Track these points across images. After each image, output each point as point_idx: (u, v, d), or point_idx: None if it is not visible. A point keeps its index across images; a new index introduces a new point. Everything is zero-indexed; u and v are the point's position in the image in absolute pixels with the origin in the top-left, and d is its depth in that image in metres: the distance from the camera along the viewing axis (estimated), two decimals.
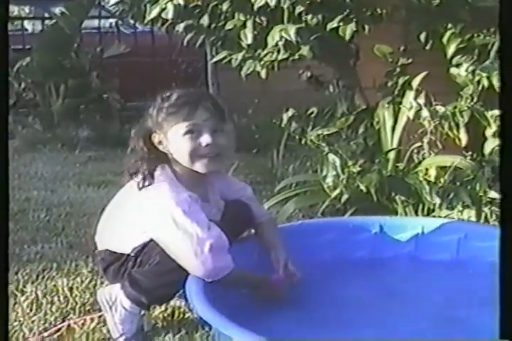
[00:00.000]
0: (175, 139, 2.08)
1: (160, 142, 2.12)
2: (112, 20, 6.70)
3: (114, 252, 2.16)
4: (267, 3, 2.75)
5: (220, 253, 2.00)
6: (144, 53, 6.24)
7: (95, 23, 6.80)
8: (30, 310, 2.33)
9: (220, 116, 2.10)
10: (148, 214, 2.05)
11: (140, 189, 2.07)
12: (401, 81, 3.08)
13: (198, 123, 2.06)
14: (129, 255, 2.12)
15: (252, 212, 2.33)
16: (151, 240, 2.07)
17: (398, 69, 3.11)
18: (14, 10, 9.72)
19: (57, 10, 7.83)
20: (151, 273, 2.07)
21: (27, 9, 9.43)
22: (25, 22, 7.47)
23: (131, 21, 5.20)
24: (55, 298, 2.42)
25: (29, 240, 3.07)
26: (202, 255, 1.96)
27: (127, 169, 2.14)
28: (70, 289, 2.49)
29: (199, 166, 2.10)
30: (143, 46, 6.29)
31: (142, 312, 2.15)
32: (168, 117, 2.07)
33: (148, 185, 2.07)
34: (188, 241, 1.97)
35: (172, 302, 2.32)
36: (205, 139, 2.06)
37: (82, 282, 2.54)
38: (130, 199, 2.14)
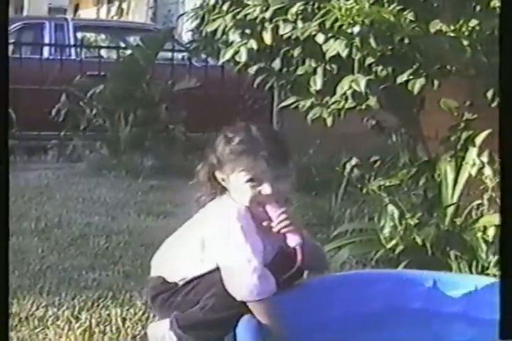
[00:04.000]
0: (237, 184, 2.12)
1: (223, 179, 2.16)
2: (184, 54, 6.87)
3: (167, 281, 2.19)
4: (338, 54, 2.81)
5: (264, 277, 2.02)
6: (212, 87, 6.36)
7: (168, 54, 6.99)
8: (83, 338, 2.37)
9: (280, 162, 2.11)
10: (207, 227, 2.12)
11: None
12: (464, 136, 3.08)
13: (258, 173, 2.08)
14: (177, 284, 2.15)
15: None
16: (202, 275, 2.11)
17: (462, 124, 3.12)
18: (92, 36, 10.09)
19: (131, 39, 8.12)
20: (201, 318, 2.09)
21: (103, 36, 9.75)
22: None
23: (203, 56, 5.34)
24: (108, 328, 2.45)
25: (87, 266, 3.15)
26: (247, 274, 2.00)
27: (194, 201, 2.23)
28: (123, 320, 2.52)
29: None
30: (212, 80, 6.41)
31: None
32: (229, 163, 2.11)
33: None
34: (240, 258, 2.02)
35: None
36: (266, 190, 2.09)
37: (135, 314, 2.56)
38: (191, 227, 2.21)
